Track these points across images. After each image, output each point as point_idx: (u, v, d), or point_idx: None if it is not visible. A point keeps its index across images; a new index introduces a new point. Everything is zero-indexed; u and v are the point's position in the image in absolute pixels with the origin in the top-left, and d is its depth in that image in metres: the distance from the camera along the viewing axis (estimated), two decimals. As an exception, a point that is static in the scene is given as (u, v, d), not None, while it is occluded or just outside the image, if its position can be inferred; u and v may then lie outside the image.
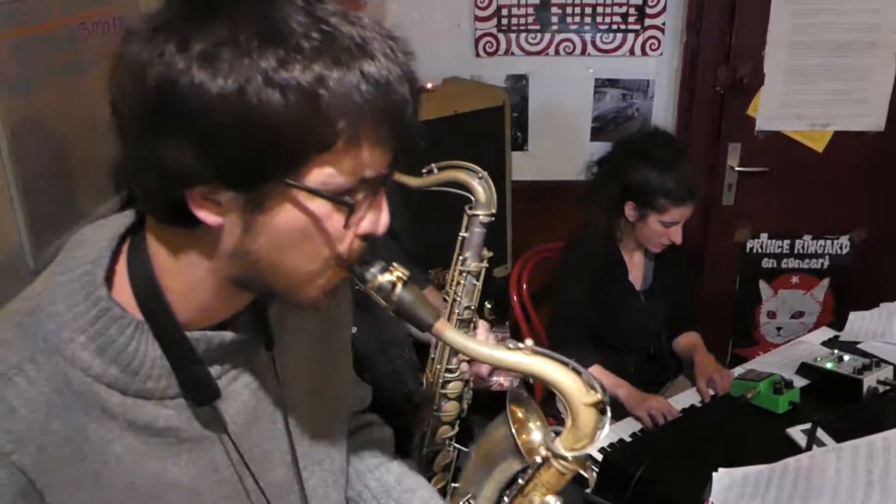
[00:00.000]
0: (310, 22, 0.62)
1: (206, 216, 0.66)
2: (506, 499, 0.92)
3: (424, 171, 1.32)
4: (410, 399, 1.59)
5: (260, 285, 0.73)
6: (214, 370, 0.78)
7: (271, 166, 0.63)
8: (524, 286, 2.42)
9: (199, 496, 0.79)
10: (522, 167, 2.75)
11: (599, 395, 0.80)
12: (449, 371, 1.30)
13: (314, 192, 0.65)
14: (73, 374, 0.69)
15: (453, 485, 1.31)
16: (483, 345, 0.78)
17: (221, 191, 0.65)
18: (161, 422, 0.75)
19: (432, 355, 1.32)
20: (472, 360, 1.32)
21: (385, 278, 0.75)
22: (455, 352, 1.29)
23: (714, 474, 1.31)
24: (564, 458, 0.83)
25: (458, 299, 1.32)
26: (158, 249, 0.73)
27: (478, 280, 1.33)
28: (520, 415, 1.19)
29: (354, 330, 1.48)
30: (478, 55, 2.73)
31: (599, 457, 1.62)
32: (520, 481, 0.90)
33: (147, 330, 0.72)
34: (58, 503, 0.69)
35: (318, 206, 0.67)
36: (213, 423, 0.79)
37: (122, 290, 0.72)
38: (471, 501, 1.19)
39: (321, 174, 0.65)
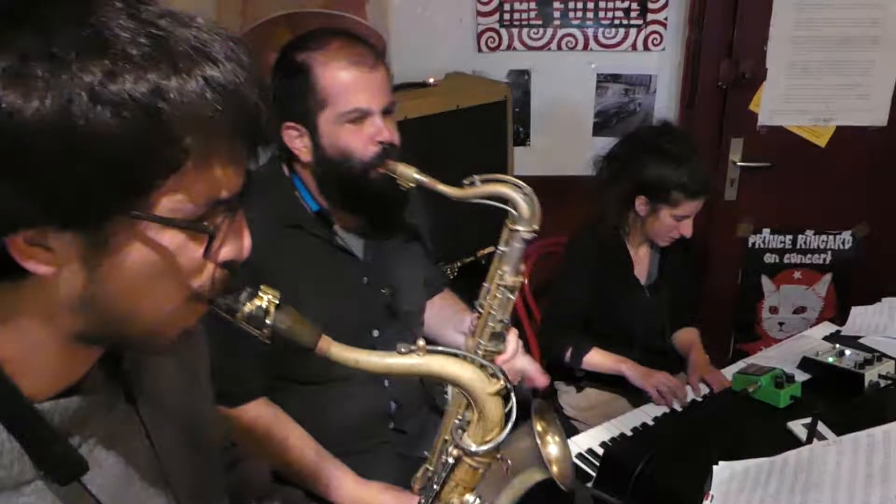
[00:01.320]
0: (136, 26, 0.54)
1: (36, 266, 0.56)
2: None
3: (466, 182, 1.29)
4: (429, 401, 1.60)
5: (112, 337, 0.64)
6: (75, 439, 0.67)
7: (111, 198, 0.54)
8: (525, 281, 2.42)
9: None
10: (524, 162, 2.74)
11: (502, 382, 0.77)
12: None
13: (166, 223, 0.57)
14: None
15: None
16: (374, 355, 0.75)
17: (52, 233, 0.54)
18: None
19: None
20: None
21: (255, 305, 0.68)
22: (454, 387, 1.29)
23: (714, 467, 1.31)
24: (475, 454, 0.79)
25: (493, 313, 1.31)
26: None
27: (513, 294, 1.31)
28: (540, 428, 1.19)
29: (377, 334, 1.49)
30: (480, 50, 2.72)
31: (600, 451, 1.62)
32: (434, 486, 0.86)
33: None
34: None
35: (171, 237, 0.58)
36: (80, 501, 0.67)
37: None
38: None
39: (171, 201, 0.56)
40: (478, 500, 0.85)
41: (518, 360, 1.37)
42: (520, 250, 1.29)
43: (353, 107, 1.32)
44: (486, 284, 1.33)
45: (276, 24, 2.50)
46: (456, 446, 0.81)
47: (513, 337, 1.36)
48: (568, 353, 2.00)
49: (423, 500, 0.89)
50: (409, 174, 1.31)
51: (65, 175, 0.52)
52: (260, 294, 0.69)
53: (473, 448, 0.79)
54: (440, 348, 0.77)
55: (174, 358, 0.84)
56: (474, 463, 0.81)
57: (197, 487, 0.84)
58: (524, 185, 1.28)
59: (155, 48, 0.54)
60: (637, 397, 2.00)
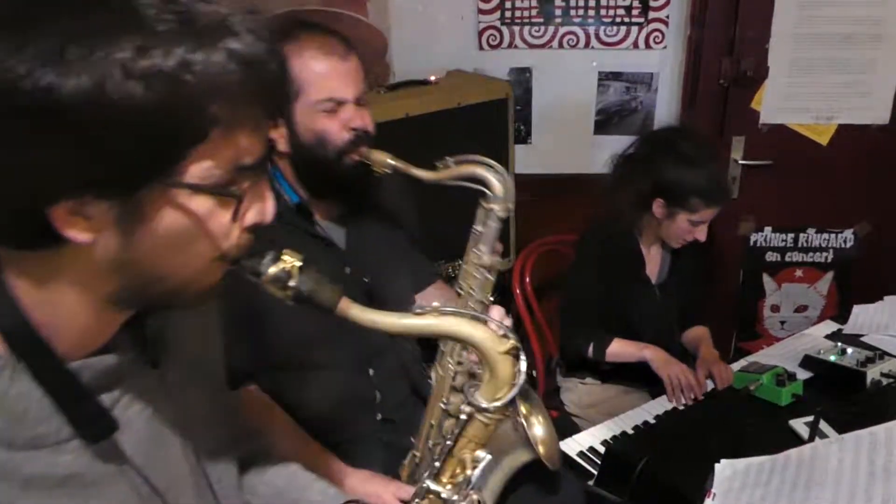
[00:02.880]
0: (161, 2, 0.57)
1: (77, 234, 0.59)
2: (437, 464, 0.92)
3: (440, 164, 1.30)
4: (416, 391, 1.59)
5: (143, 296, 0.67)
6: (106, 400, 0.71)
7: (144, 168, 0.58)
8: (527, 279, 2.42)
9: None
10: (525, 160, 2.74)
11: (513, 342, 0.81)
12: (459, 364, 1.30)
13: (197, 189, 0.60)
14: None
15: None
16: (390, 316, 0.79)
17: (91, 203, 0.58)
18: (61, 470, 0.67)
19: (442, 349, 1.32)
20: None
21: (279, 267, 0.72)
22: (465, 346, 1.30)
23: (716, 465, 1.31)
24: (487, 410, 0.84)
25: (473, 293, 1.32)
26: (21, 283, 0.64)
27: (491, 274, 1.32)
28: (524, 409, 1.19)
29: None
30: (481, 48, 2.72)
31: (602, 449, 1.62)
32: (447, 441, 0.91)
33: (24, 370, 0.64)
34: None
35: (201, 202, 0.62)
36: (115, 459, 0.72)
37: None
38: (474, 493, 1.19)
39: (199, 168, 0.60)
40: (489, 456, 0.90)
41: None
42: (495, 230, 1.31)
43: (326, 95, 1.32)
44: (463, 266, 1.34)
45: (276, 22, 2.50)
46: (468, 403, 0.85)
47: (496, 312, 1.39)
48: (590, 349, 2.00)
49: (436, 456, 0.93)
50: (384, 160, 1.32)
51: (101, 147, 0.55)
52: (283, 258, 0.73)
53: (485, 405, 0.84)
54: (452, 308, 0.80)
55: (195, 328, 0.87)
56: (486, 419, 0.85)
57: (216, 456, 0.89)
58: (497, 164, 1.31)
59: (180, 23, 0.57)
60: (646, 393, 2.00)
